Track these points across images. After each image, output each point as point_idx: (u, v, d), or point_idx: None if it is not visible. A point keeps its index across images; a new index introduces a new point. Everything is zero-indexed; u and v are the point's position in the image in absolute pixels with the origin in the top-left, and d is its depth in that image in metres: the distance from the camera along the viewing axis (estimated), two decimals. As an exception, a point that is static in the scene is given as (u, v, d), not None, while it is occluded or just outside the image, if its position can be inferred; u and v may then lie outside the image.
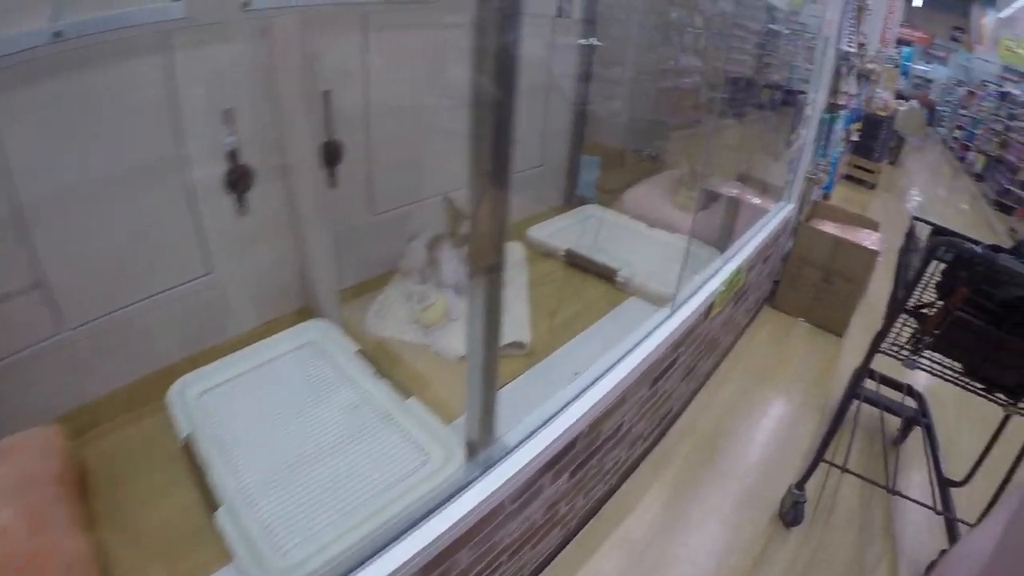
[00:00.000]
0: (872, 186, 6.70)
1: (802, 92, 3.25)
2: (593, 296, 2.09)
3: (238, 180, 1.58)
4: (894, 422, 2.52)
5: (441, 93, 1.99)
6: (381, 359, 1.70)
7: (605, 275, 2.15)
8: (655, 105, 2.93)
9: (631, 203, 2.59)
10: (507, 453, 1.38)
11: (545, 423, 1.48)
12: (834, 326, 3.29)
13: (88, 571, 1.11)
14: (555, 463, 1.53)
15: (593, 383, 1.61)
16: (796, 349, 3.12)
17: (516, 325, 1.85)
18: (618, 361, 1.70)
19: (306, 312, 1.86)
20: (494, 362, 1.23)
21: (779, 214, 3.00)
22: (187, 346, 1.65)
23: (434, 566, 1.22)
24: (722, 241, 2.32)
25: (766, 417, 2.56)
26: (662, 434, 2.28)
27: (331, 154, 1.78)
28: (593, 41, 2.56)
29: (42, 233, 1.34)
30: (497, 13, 0.92)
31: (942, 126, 13.76)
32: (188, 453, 1.34)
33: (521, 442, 1.42)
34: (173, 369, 1.55)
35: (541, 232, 2.36)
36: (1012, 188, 7.39)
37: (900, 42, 9.29)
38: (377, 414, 1.53)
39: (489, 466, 1.35)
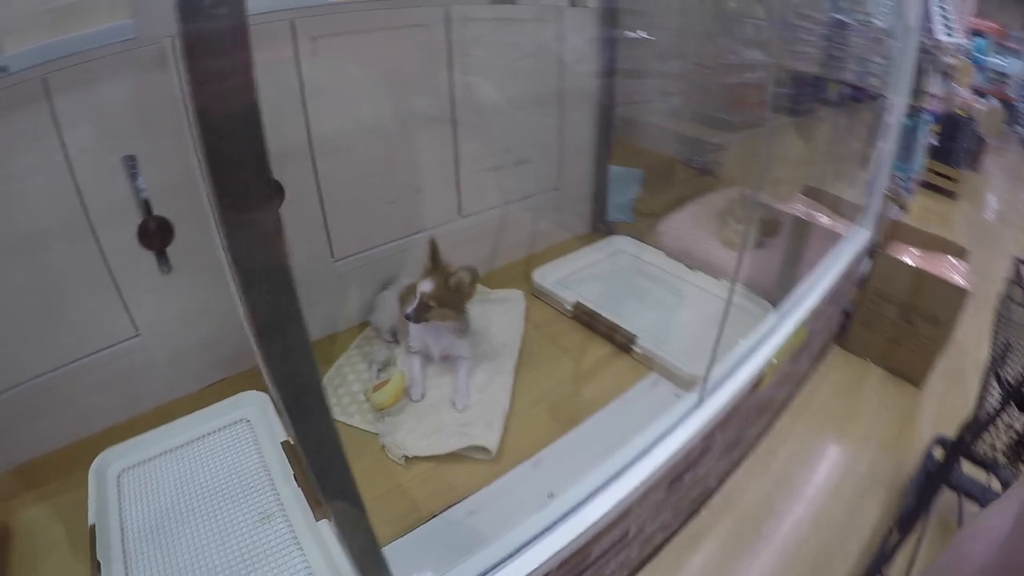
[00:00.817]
0: (953, 195, 5.86)
1: (875, 92, 2.66)
2: (601, 371, 1.62)
3: (155, 234, 1.30)
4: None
5: (406, 110, 1.58)
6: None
7: (621, 342, 1.66)
8: (714, 102, 2.42)
9: (670, 235, 2.07)
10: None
11: (503, 562, 1.09)
12: (912, 374, 2.69)
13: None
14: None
15: (576, 508, 1.19)
16: (867, 402, 2.54)
17: (484, 421, 1.42)
18: (618, 475, 1.26)
19: (253, 377, 1.51)
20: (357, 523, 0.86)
21: (853, 244, 2.44)
22: (118, 413, 1.47)
23: None
24: (781, 286, 1.79)
25: (824, 491, 2.04)
26: (692, 514, 1.81)
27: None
28: (641, 34, 2.09)
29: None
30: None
31: (1020, 125, 12.33)
32: (91, 542, 1.16)
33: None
34: (104, 436, 1.41)
35: (551, 275, 1.89)
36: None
37: (973, 33, 8.23)
38: (288, 533, 1.19)
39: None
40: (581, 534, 1.15)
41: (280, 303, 0.59)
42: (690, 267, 1.93)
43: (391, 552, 1.14)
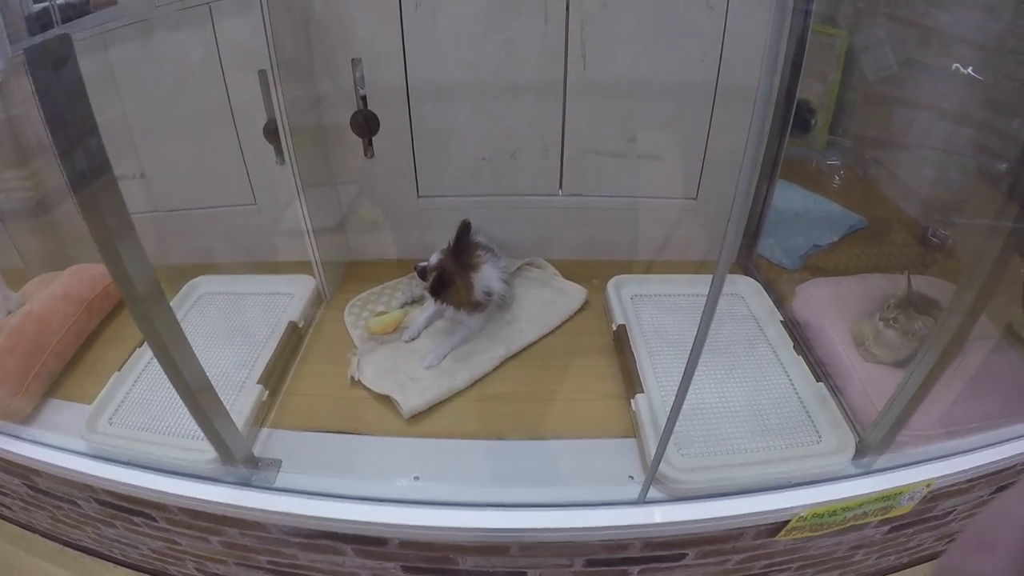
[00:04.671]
0: None
1: None
2: (590, 404, 1.26)
3: (273, 132, 1.43)
4: None
5: (508, 71, 1.41)
6: (321, 335, 1.48)
7: (630, 388, 1.22)
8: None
9: (803, 301, 1.38)
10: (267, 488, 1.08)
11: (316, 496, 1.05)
12: None
13: (38, 361, 1.32)
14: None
15: (435, 504, 1.03)
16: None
17: (424, 387, 1.27)
18: (503, 505, 1.04)
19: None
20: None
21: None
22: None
23: None
24: (890, 428, 1.03)
25: None
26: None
27: (363, 124, 1.46)
28: (969, 71, 1.49)
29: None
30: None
31: None
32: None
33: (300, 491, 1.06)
34: (196, 266, 1.65)
35: (631, 288, 1.49)
36: None
37: None
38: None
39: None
40: (415, 526, 1.01)
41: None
42: (799, 346, 1.27)
43: (271, 435, 1.21)
